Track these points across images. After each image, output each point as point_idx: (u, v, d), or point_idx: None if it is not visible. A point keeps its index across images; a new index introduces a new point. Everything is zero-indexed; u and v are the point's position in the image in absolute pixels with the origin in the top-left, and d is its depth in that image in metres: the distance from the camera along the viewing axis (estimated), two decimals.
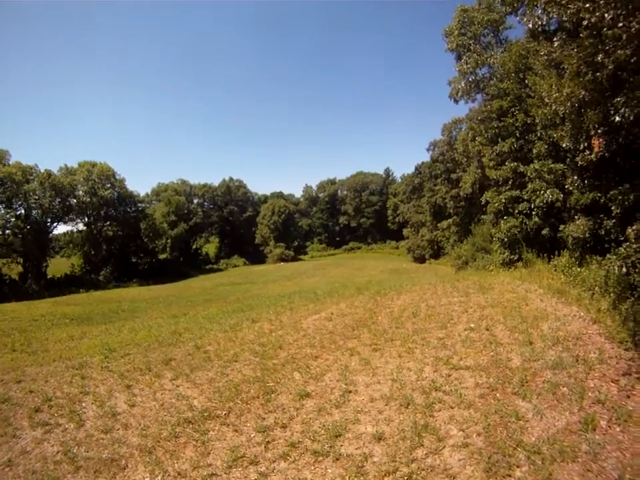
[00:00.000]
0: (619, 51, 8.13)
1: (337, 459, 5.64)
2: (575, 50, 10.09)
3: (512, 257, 21.32)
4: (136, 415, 7.66)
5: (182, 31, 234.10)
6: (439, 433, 5.99)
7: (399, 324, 12.02)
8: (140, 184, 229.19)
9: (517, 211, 20.89)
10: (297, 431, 6.55)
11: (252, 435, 6.56)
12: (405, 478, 5.18)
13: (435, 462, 5.40)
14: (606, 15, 7.75)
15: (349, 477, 5.30)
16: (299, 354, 10.38)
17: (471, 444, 5.68)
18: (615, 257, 11.52)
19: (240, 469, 5.70)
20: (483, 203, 25.51)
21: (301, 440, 6.23)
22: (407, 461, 5.43)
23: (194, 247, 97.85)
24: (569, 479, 4.91)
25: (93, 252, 69.30)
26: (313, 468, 5.57)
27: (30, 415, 7.89)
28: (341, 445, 5.97)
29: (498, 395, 7.01)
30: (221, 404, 7.77)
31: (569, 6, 8.45)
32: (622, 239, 11.87)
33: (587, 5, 7.86)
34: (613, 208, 12.75)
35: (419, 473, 5.23)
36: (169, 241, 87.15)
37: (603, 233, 14.09)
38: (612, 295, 11.26)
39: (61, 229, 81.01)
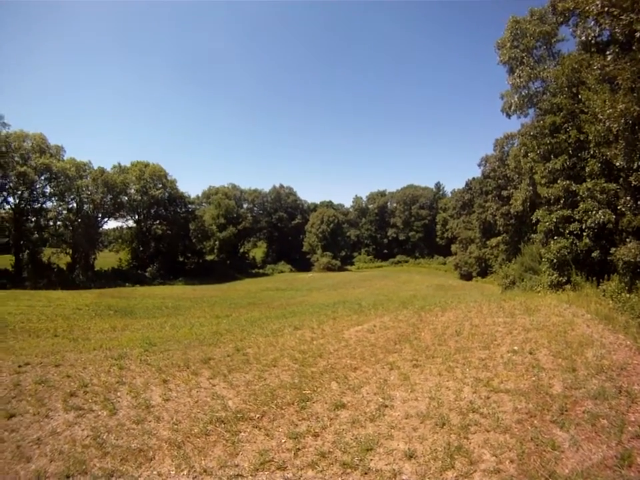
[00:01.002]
0: None
1: (366, 473, 5.60)
2: (628, 64, 9.81)
3: (560, 279, 20.78)
4: (169, 409, 7.75)
5: (240, 36, 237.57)
6: (471, 456, 5.87)
7: (442, 341, 11.92)
8: (191, 186, 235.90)
9: (567, 231, 20.36)
10: (328, 440, 6.54)
11: (283, 441, 6.57)
12: None
13: None
14: None
15: None
16: (338, 364, 10.40)
17: (503, 470, 5.53)
18: None
19: (267, 473, 5.72)
20: (533, 221, 25.01)
21: (331, 450, 6.21)
22: None
23: (241, 250, 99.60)
24: None
25: (141, 248, 72.06)
26: (340, 479, 5.58)
27: (64, 399, 8.07)
28: (371, 459, 5.92)
29: (536, 421, 6.80)
30: (256, 407, 7.82)
31: (622, 17, 8.23)
32: None
33: None
34: None
35: None
36: (217, 243, 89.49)
37: None
38: None
39: (111, 224, 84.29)
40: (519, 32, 27.37)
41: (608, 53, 12.39)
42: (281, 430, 6.95)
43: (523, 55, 27.07)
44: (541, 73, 25.71)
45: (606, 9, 8.36)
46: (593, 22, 10.42)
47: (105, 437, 6.69)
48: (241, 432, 6.87)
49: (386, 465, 5.78)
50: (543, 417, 6.94)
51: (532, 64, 26.65)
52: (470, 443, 6.26)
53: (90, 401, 8.07)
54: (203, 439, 6.63)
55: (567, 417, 6.90)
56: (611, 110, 10.96)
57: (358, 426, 7.00)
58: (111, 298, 34.59)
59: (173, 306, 30.93)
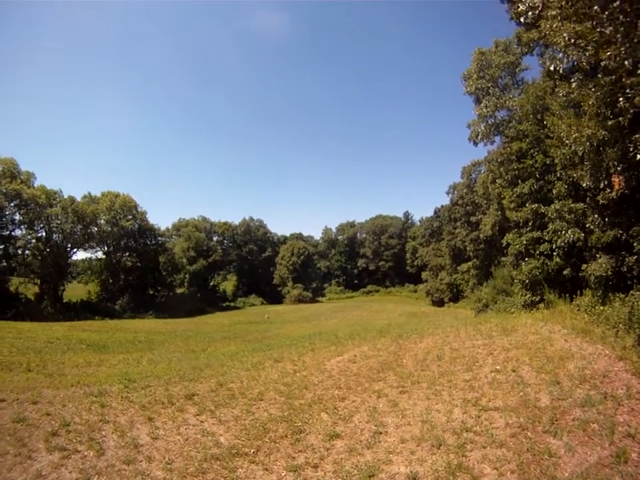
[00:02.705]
0: (638, 97, 8.38)
1: None
2: (593, 90, 10.38)
3: (534, 298, 21.22)
4: (159, 448, 7.45)
5: (202, 62, 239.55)
6: (473, 472, 5.98)
7: (424, 367, 12.04)
8: (161, 218, 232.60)
9: (538, 252, 20.90)
10: (329, 470, 6.50)
11: (283, 474, 6.49)
12: None
13: None
14: (626, 62, 8.02)
15: None
16: (325, 395, 10.37)
17: None
18: (638, 292, 11.52)
19: None
20: (503, 245, 25.60)
21: None
22: None
23: (212, 283, 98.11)
24: None
25: (110, 280, 70.12)
26: None
27: (46, 438, 7.53)
28: None
29: (529, 433, 7.00)
30: (249, 442, 7.68)
31: (588, 48, 8.75)
32: None
33: (609, 53, 8.14)
34: (634, 244, 12.76)
35: None
36: (187, 275, 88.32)
37: (625, 270, 14.10)
38: (637, 330, 11.35)
39: (80, 255, 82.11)
40: (484, 63, 28.62)
41: (572, 80, 13.03)
42: (278, 463, 6.87)
43: (489, 85, 28.27)
44: (507, 102, 26.90)
45: (573, 40, 8.89)
46: (560, 53, 10.97)
47: (95, 479, 6.33)
48: (238, 468, 6.74)
49: None
50: (535, 429, 7.14)
51: (497, 94, 27.85)
52: (469, 460, 6.36)
53: (74, 440, 7.60)
54: (200, 478, 6.45)
55: (558, 425, 7.14)
56: (576, 134, 11.50)
57: (356, 454, 6.99)
58: (82, 331, 33.71)
59: (146, 340, 30.30)
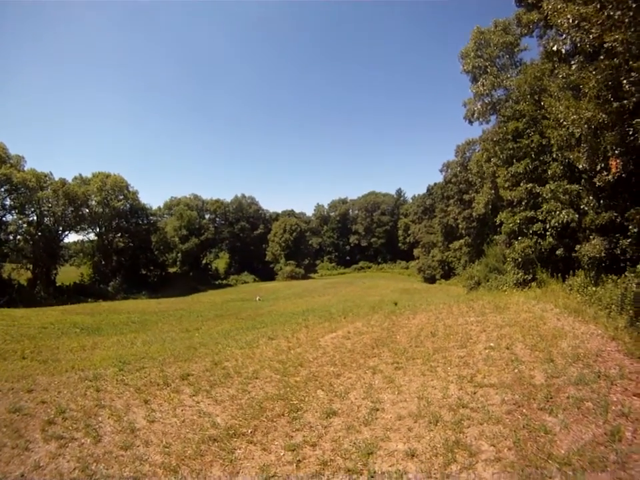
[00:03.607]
0: None
1: (372, 477, 5.63)
2: (594, 72, 10.27)
3: (526, 277, 21.38)
4: (156, 432, 7.41)
5: (197, 45, 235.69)
6: (470, 449, 6.04)
7: (419, 343, 12.09)
8: (153, 197, 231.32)
9: (531, 232, 20.98)
10: (327, 449, 6.52)
11: (281, 454, 6.49)
12: None
13: (470, 477, 5.44)
14: (632, 47, 7.92)
15: None
16: (320, 372, 10.39)
17: (503, 458, 5.74)
18: (632, 275, 11.60)
19: None
20: (497, 223, 25.69)
21: (332, 458, 6.20)
22: (442, 477, 5.46)
23: (204, 261, 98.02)
24: None
25: (102, 262, 70.11)
26: None
27: (43, 427, 7.50)
28: (374, 463, 5.95)
29: (524, 410, 7.09)
30: (246, 421, 7.68)
31: (592, 30, 8.63)
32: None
33: (616, 36, 8.02)
34: (630, 227, 12.81)
35: None
36: (179, 254, 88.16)
37: (619, 252, 14.18)
38: (630, 312, 11.43)
39: (72, 237, 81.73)
40: (482, 42, 28.45)
41: (573, 62, 12.92)
42: (277, 443, 6.87)
43: (487, 64, 28.09)
44: (504, 81, 26.79)
45: (576, 22, 8.75)
46: (564, 34, 10.78)
47: (94, 467, 6.25)
48: (236, 449, 6.73)
49: (390, 466, 5.84)
50: (530, 406, 7.23)
51: (495, 72, 27.68)
52: (466, 437, 6.43)
53: (70, 428, 7.53)
54: (199, 461, 6.41)
55: (553, 403, 7.22)
56: (575, 116, 11.40)
57: (354, 431, 7.03)
58: (76, 315, 33.60)
59: (139, 321, 30.30)
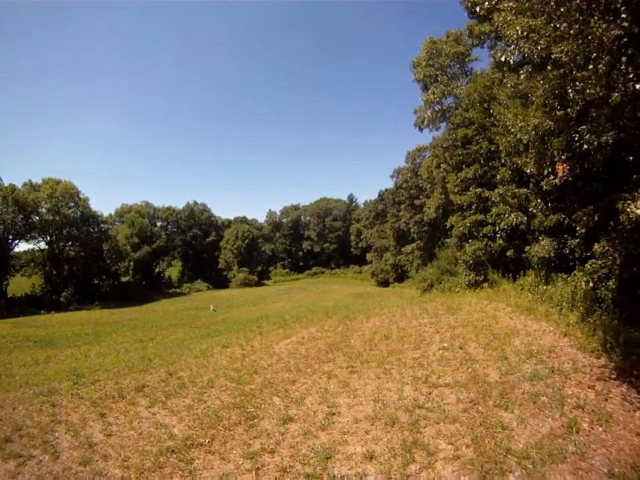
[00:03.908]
0: (588, 90, 8.67)
1: None
2: (541, 82, 10.68)
3: (477, 278, 21.91)
4: (114, 445, 7.28)
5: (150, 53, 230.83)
6: (428, 448, 6.10)
7: (372, 346, 12.21)
8: (103, 204, 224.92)
9: (481, 234, 21.54)
10: (285, 455, 6.47)
11: (240, 462, 6.40)
12: None
13: (429, 476, 5.48)
14: (578, 57, 8.28)
15: None
16: (275, 378, 10.32)
17: (462, 455, 5.82)
18: (581, 273, 12.09)
19: None
20: (447, 227, 26.25)
21: (291, 464, 6.15)
22: (401, 477, 5.49)
23: (157, 270, 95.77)
24: (562, 479, 5.14)
25: (54, 272, 67.47)
26: None
27: (0, 446, 7.40)
28: (333, 467, 5.94)
29: (480, 408, 7.22)
30: (203, 431, 7.58)
31: (540, 42, 8.97)
32: (588, 255, 12.48)
33: (562, 47, 8.37)
34: (577, 228, 13.33)
35: None
36: (131, 263, 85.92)
37: (567, 252, 14.74)
38: (580, 308, 11.90)
39: (22, 246, 78.47)
40: (434, 52, 29.11)
41: (521, 72, 13.44)
42: (235, 452, 6.79)
43: (438, 72, 28.73)
44: (454, 89, 27.49)
45: (525, 33, 9.10)
46: (512, 45, 11.18)
47: None
48: (194, 459, 6.63)
49: (349, 469, 5.84)
50: (486, 403, 7.39)
51: (446, 81, 28.32)
52: (424, 437, 6.50)
53: (28, 445, 7.43)
54: (158, 473, 6.31)
55: (509, 399, 7.41)
56: (522, 123, 11.80)
57: (311, 436, 7.01)
58: (28, 327, 33.06)
59: (93, 332, 29.84)
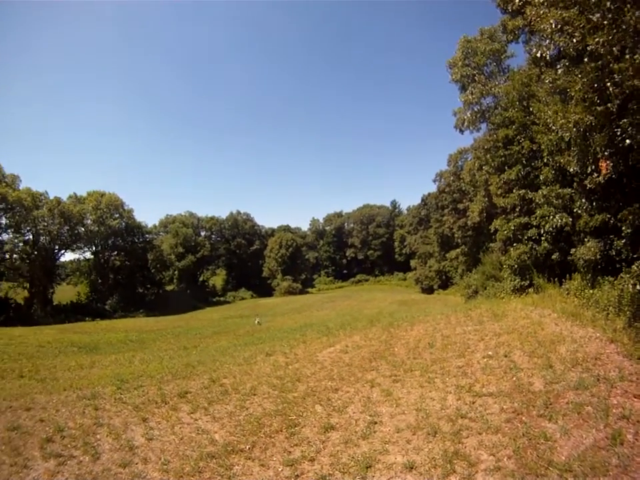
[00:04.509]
0: (626, 82, 8.38)
1: None
2: (579, 75, 10.37)
3: (523, 283, 21.33)
4: (155, 449, 7.40)
5: (190, 59, 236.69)
6: (469, 459, 5.98)
7: (416, 354, 12.06)
8: (148, 215, 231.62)
9: (526, 237, 20.96)
10: (325, 463, 6.46)
11: (280, 469, 6.43)
12: None
13: None
14: (614, 48, 8.02)
15: None
16: (318, 387, 10.33)
17: (503, 467, 5.68)
18: (627, 275, 11.59)
19: None
20: (491, 231, 25.71)
21: (331, 472, 6.14)
22: None
23: (201, 279, 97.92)
24: None
25: (99, 281, 70.01)
26: None
27: (41, 445, 7.57)
28: (373, 476, 5.91)
29: (524, 418, 7.03)
30: (244, 438, 7.63)
31: (575, 34, 8.74)
32: (635, 256, 11.99)
33: (597, 39, 8.12)
34: (623, 228, 12.84)
35: None
36: (176, 272, 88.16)
37: (614, 253, 14.22)
38: (627, 313, 11.37)
39: (68, 256, 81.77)
40: (470, 50, 28.68)
41: (558, 66, 13.04)
42: (275, 459, 6.81)
43: (474, 72, 28.32)
44: (492, 89, 26.97)
45: (559, 26, 8.88)
46: (546, 39, 10.89)
47: None
48: (234, 465, 6.68)
49: (389, 479, 5.78)
50: (529, 413, 7.18)
51: (483, 81, 27.89)
52: (465, 447, 6.37)
53: (69, 446, 7.59)
54: (197, 477, 6.39)
55: (553, 409, 7.17)
56: (563, 120, 11.44)
57: (352, 445, 6.97)
58: (73, 333, 33.76)
59: (137, 339, 30.37)
